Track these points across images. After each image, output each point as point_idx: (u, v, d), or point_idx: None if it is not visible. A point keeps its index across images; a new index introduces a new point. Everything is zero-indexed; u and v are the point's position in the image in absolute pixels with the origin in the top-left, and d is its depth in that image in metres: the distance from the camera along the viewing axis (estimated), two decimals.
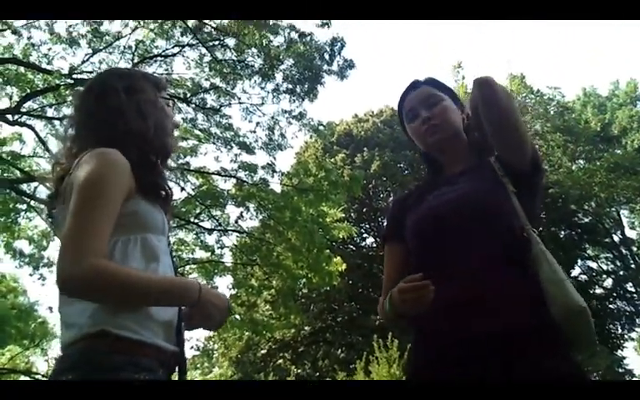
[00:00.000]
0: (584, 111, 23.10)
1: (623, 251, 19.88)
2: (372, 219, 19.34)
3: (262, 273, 10.69)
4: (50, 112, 7.96)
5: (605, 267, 20.28)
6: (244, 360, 17.17)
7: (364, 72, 50.40)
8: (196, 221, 9.03)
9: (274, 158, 8.91)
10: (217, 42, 8.13)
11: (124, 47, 7.85)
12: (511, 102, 1.40)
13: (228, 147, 8.73)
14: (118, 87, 1.33)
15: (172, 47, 8.13)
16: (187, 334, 1.28)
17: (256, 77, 8.52)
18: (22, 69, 7.50)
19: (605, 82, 34.05)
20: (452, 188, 1.45)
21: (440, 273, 1.27)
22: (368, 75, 48.32)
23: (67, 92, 6.81)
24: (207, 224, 9.16)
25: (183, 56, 8.29)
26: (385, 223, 1.69)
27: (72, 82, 7.02)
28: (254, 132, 8.84)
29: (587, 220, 19.81)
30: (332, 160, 15.38)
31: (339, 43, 8.46)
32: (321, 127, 9.32)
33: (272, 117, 8.80)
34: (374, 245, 18.98)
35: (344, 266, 9.05)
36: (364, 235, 19.76)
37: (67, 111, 7.03)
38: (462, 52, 59.03)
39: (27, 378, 14.05)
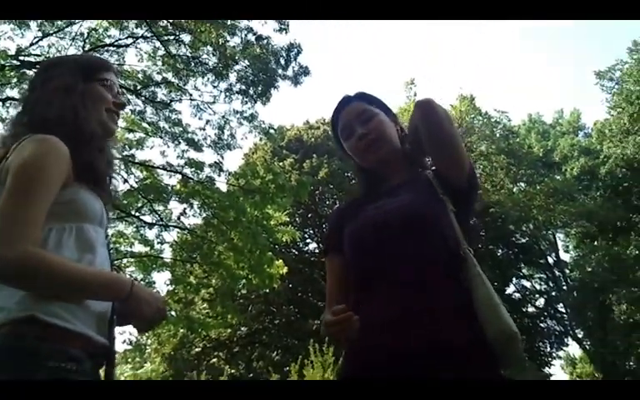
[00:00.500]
0: (528, 136, 23.95)
1: (556, 272, 20.76)
2: (317, 225, 19.52)
3: (202, 271, 10.60)
4: None
5: (538, 287, 21.14)
6: (177, 357, 16.84)
7: (318, 80, 50.83)
8: (137, 214, 8.82)
9: (222, 157, 8.84)
10: (172, 37, 8.00)
11: (76, 33, 7.59)
12: (450, 122, 1.46)
13: (176, 142, 8.60)
14: (40, 76, 1.39)
15: (126, 38, 7.94)
16: (122, 328, 1.34)
17: (209, 75, 8.42)
18: None
19: (550, 111, 35.95)
20: (393, 200, 1.46)
21: (375, 285, 1.31)
22: (322, 83, 48.76)
23: (11, 74, 6.56)
24: (148, 218, 9.00)
25: (136, 47, 8.11)
26: (326, 234, 1.71)
27: (19, 63, 6.74)
28: (204, 129, 8.77)
29: (524, 240, 20.54)
30: (281, 164, 15.45)
31: (296, 49, 8.46)
32: (272, 131, 9.33)
33: (223, 117, 8.73)
34: (317, 250, 19.19)
35: (285, 269, 9.07)
36: (307, 240, 19.94)
37: (10, 92, 6.77)
38: (414, 70, 60.74)
39: None
